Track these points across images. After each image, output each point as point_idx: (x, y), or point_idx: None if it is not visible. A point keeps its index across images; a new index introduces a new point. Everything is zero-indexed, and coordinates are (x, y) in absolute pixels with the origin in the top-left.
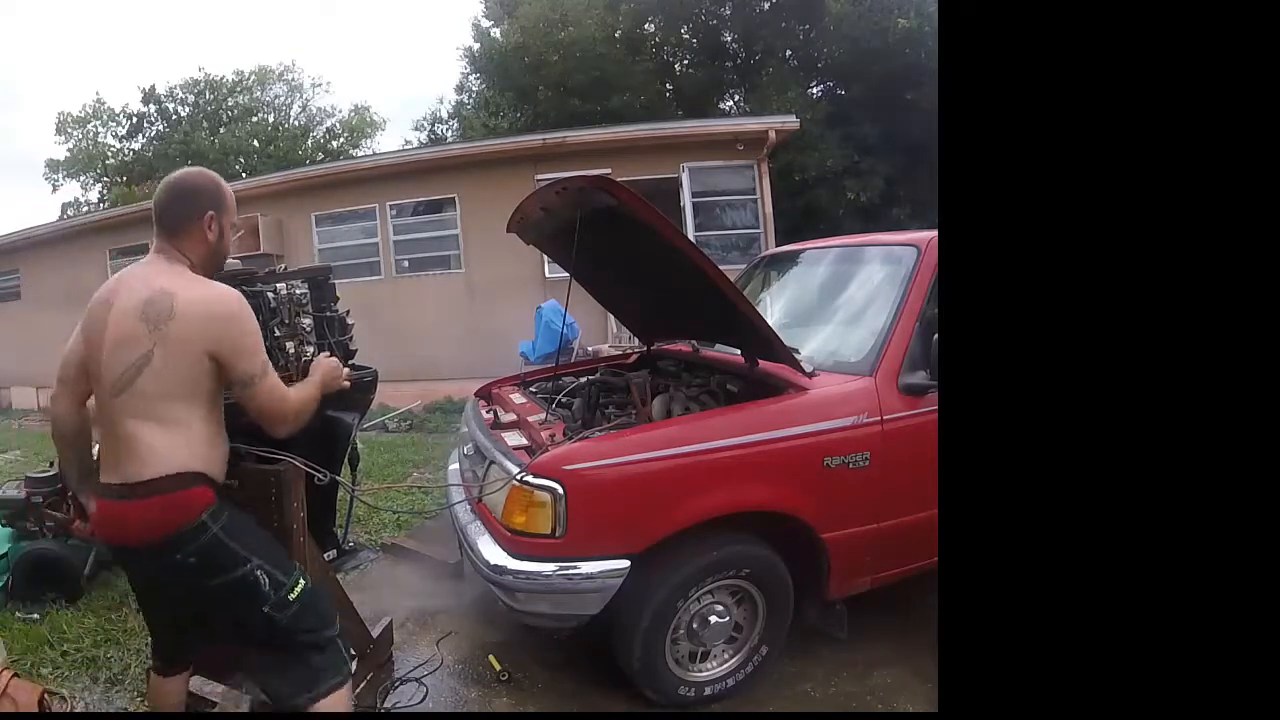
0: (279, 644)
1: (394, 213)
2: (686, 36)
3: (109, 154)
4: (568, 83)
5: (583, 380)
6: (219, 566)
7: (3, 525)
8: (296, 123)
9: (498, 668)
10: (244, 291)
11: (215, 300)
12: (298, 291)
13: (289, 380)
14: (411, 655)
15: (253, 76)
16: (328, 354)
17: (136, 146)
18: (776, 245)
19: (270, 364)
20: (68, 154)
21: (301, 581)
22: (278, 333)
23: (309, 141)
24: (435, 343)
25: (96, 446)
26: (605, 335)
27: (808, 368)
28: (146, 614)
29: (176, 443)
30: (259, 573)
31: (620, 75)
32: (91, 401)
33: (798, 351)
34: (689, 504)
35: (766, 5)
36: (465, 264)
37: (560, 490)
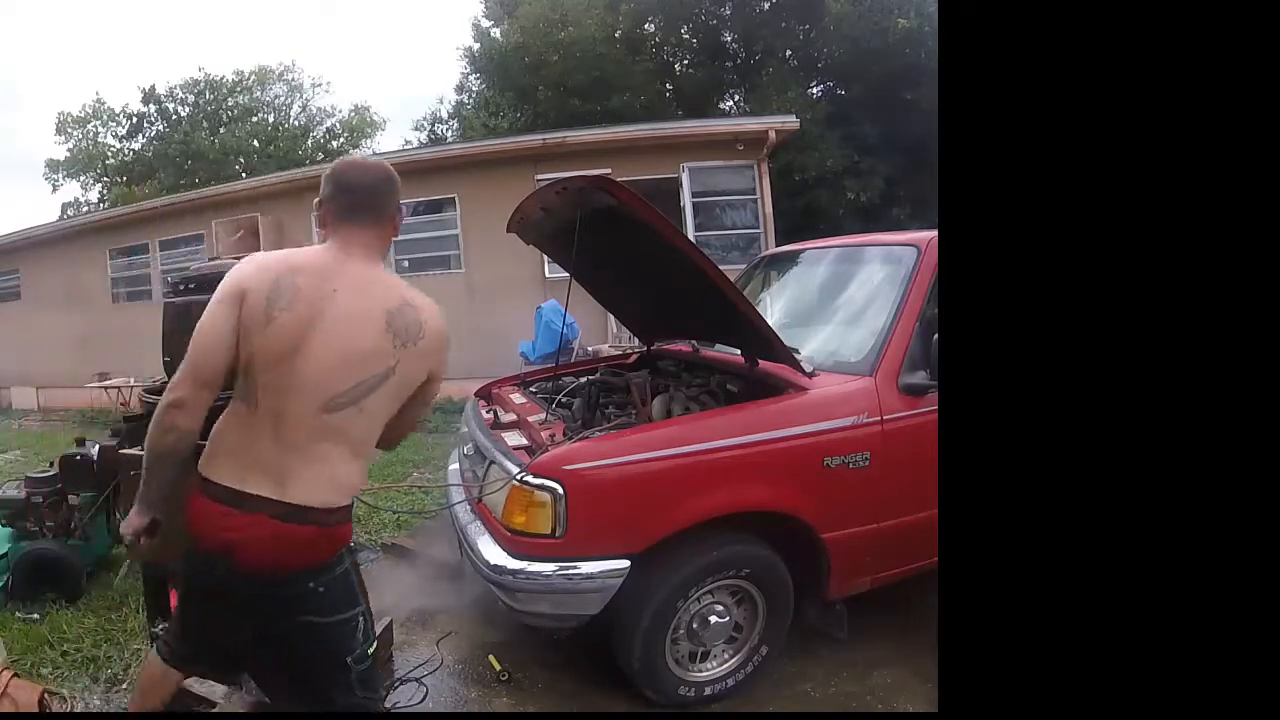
0: (330, 696)
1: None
2: (686, 36)
3: (109, 154)
4: (568, 83)
5: (583, 380)
6: (340, 602)
7: (3, 525)
8: (296, 123)
9: (498, 668)
10: None
11: (441, 317)
12: None
13: None
14: (411, 655)
15: (253, 76)
16: None
17: (136, 146)
18: (776, 245)
19: None
20: (68, 154)
21: (375, 641)
22: None
23: (309, 141)
24: None
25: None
26: (605, 335)
27: (808, 368)
28: (204, 619)
29: (358, 472)
30: (361, 618)
31: (620, 75)
32: None
33: (797, 351)
34: (689, 504)
35: (766, 5)
36: (465, 264)
37: (560, 490)
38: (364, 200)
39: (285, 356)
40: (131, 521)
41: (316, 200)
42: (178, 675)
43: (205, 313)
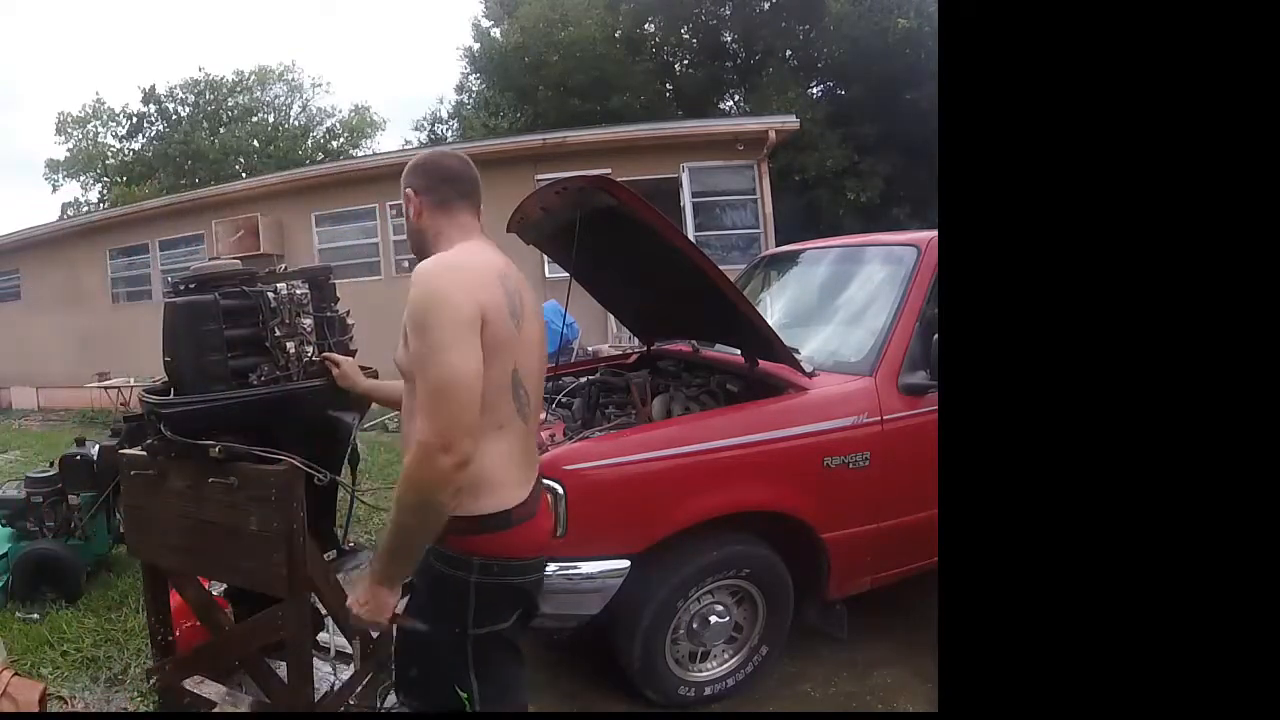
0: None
1: (394, 213)
2: (686, 36)
3: (109, 154)
4: (568, 83)
5: (583, 380)
6: None
7: (3, 525)
8: (296, 123)
9: None
10: (243, 291)
11: None
12: (298, 291)
13: (289, 379)
14: None
15: (253, 76)
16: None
17: (136, 146)
18: (776, 245)
19: None
20: (68, 154)
21: None
22: (278, 333)
23: (309, 141)
24: None
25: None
26: (605, 335)
27: (808, 368)
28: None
29: None
30: None
31: (620, 75)
32: None
33: (797, 351)
34: (689, 504)
35: (766, 5)
36: None
37: (560, 490)
38: (475, 188)
39: (536, 363)
40: (384, 603)
41: (410, 191)
42: None
43: (455, 352)
